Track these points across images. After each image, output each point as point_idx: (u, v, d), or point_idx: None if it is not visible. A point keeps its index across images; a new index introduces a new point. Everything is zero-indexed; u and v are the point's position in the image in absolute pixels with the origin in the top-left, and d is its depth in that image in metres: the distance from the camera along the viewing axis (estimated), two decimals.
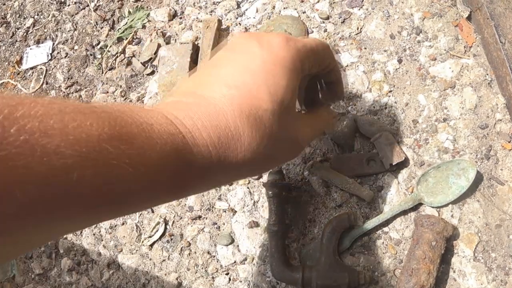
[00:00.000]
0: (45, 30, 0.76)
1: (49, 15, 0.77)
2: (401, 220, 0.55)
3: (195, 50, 0.64)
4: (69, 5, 0.76)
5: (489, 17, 0.58)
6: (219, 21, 0.65)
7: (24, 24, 0.78)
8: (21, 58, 0.77)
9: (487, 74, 0.58)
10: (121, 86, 0.68)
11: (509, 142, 0.55)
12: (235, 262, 0.56)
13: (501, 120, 0.56)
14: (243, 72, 0.34)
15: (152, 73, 0.67)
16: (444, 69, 0.59)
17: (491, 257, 0.52)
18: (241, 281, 0.55)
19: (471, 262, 0.52)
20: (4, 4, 0.79)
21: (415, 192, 0.54)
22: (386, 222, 0.55)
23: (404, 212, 0.54)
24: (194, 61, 0.63)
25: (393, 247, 0.54)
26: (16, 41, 0.78)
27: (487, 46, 0.59)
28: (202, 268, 0.57)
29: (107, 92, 0.68)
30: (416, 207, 0.54)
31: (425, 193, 0.54)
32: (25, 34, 0.78)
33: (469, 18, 0.62)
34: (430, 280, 0.49)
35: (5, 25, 0.78)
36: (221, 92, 0.33)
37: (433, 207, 0.54)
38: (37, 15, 0.77)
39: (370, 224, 0.54)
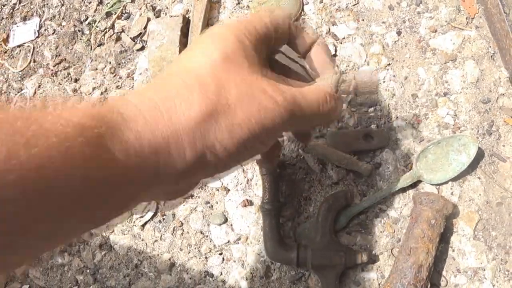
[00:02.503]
0: (32, 7, 0.74)
1: None
2: (399, 198, 0.53)
3: (186, 23, 0.61)
4: None
5: None
6: None
7: (10, 1, 0.75)
8: (8, 36, 0.74)
9: (490, 47, 0.56)
10: (110, 63, 0.66)
11: (511, 117, 0.53)
12: (228, 241, 0.55)
13: (503, 94, 0.54)
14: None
15: (142, 48, 0.65)
16: (445, 42, 0.56)
17: (491, 236, 0.50)
18: (235, 261, 0.54)
19: (470, 241, 0.51)
20: None
21: (414, 169, 0.52)
22: (384, 200, 0.53)
23: (402, 190, 0.53)
24: (184, 35, 0.61)
25: (391, 225, 0.52)
26: (2, 18, 0.75)
27: (490, 17, 0.57)
28: (195, 248, 0.55)
29: (96, 69, 0.66)
30: (415, 185, 0.53)
31: (424, 170, 0.52)
32: (11, 11, 0.75)
33: None
34: (428, 260, 0.48)
35: None
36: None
37: (432, 184, 0.52)
38: None
39: (367, 202, 0.52)
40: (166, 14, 0.65)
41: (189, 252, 0.55)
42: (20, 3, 0.75)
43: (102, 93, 0.64)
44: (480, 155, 0.52)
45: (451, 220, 0.51)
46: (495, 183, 0.52)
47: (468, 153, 0.51)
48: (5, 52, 0.73)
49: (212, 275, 0.54)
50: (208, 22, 0.62)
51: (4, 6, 0.75)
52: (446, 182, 0.52)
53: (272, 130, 0.30)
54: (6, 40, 0.74)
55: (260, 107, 0.29)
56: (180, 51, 0.59)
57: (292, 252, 0.50)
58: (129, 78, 0.64)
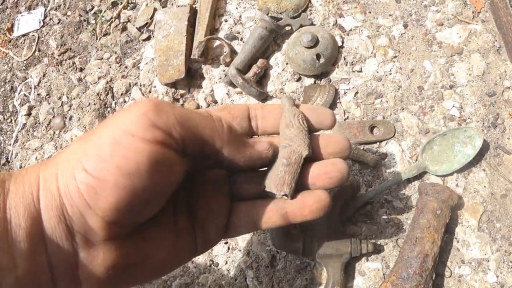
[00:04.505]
0: None
1: None
2: (404, 188, 0.53)
3: (193, 13, 0.61)
4: None
5: None
6: None
7: None
8: (12, 25, 0.74)
9: (496, 40, 0.56)
10: (116, 52, 0.65)
11: None
12: None
13: (509, 87, 0.54)
14: None
15: (148, 38, 0.65)
16: (452, 35, 0.57)
17: (495, 227, 0.51)
18: (240, 250, 0.54)
19: (475, 232, 0.51)
20: None
21: (419, 160, 0.53)
22: (390, 191, 0.53)
23: (408, 181, 0.53)
24: (191, 25, 0.61)
25: (396, 216, 0.52)
26: (7, 7, 0.75)
27: (496, 12, 0.57)
28: None
29: (102, 58, 0.66)
30: (420, 176, 0.53)
31: (429, 161, 0.52)
32: (16, 0, 0.75)
33: None
34: (434, 249, 0.48)
35: None
36: None
37: (438, 175, 0.53)
38: None
39: (373, 192, 0.52)
40: (172, 4, 0.65)
41: None
42: None
43: (107, 83, 0.64)
44: (485, 147, 0.53)
45: (456, 211, 0.51)
46: (500, 175, 0.52)
47: (473, 145, 0.52)
48: (10, 41, 0.73)
49: (217, 264, 0.54)
50: (215, 12, 0.62)
51: None
52: (451, 174, 0.52)
53: None
54: (10, 29, 0.73)
55: None
56: (187, 40, 0.59)
57: (298, 242, 0.50)
58: (135, 68, 0.64)
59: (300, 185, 0.36)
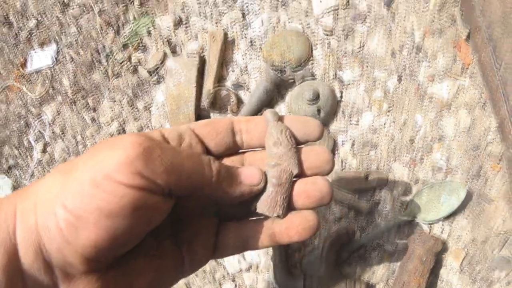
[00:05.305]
0: (49, 33, 0.77)
1: (52, 16, 0.77)
2: (395, 233, 0.59)
3: (202, 63, 0.65)
4: (73, 8, 0.76)
5: (486, 40, 0.60)
6: (225, 34, 0.66)
7: (27, 25, 0.78)
8: (26, 60, 0.77)
9: (481, 97, 0.61)
10: (128, 95, 0.69)
11: (498, 163, 0.58)
12: (240, 270, 0.60)
13: (491, 142, 0.59)
14: None
15: (158, 82, 0.69)
16: (441, 90, 0.62)
17: (475, 270, 0.57)
18: None
19: (457, 274, 0.57)
20: (6, 3, 0.78)
21: (409, 208, 0.58)
22: (382, 235, 0.59)
23: (398, 227, 0.59)
24: (200, 73, 0.65)
25: (387, 258, 0.58)
26: (20, 42, 0.78)
27: (483, 68, 0.62)
28: (210, 275, 0.61)
29: (114, 100, 0.70)
30: (409, 222, 0.59)
31: (418, 210, 0.58)
32: (28, 35, 0.78)
33: (467, 38, 0.64)
34: None
35: (7, 25, 0.78)
36: None
37: (425, 222, 0.58)
38: (40, 16, 0.77)
39: (366, 238, 0.58)
40: (181, 49, 0.69)
41: (204, 278, 0.61)
42: (37, 28, 0.77)
43: (120, 125, 0.68)
44: (468, 197, 0.58)
45: (441, 255, 0.57)
46: (481, 222, 0.58)
47: (458, 196, 0.57)
48: (23, 77, 0.76)
49: None
50: (223, 62, 0.66)
51: (21, 30, 0.78)
52: (437, 221, 0.58)
53: None
54: (24, 65, 0.77)
55: None
56: (197, 91, 0.63)
57: (299, 281, 0.56)
58: (146, 111, 0.68)
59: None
